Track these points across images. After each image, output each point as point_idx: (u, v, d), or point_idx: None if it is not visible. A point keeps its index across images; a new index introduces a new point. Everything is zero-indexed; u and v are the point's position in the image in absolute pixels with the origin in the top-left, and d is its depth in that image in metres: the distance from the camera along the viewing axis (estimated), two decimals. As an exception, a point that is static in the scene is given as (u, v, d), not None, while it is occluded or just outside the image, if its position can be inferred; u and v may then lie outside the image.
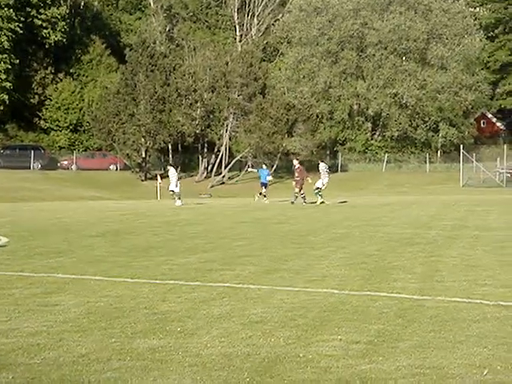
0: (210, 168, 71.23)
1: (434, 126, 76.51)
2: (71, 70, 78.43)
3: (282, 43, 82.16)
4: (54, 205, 41.78)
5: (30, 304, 9.97)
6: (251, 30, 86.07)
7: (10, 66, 70.55)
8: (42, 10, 74.40)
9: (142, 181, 67.52)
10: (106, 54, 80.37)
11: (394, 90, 73.90)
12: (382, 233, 19.59)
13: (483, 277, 11.77)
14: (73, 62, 79.21)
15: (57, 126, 75.45)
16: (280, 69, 78.32)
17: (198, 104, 69.52)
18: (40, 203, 44.36)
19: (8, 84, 70.15)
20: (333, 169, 70.10)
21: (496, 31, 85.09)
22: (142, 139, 67.65)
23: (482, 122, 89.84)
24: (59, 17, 75.03)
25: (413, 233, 19.38)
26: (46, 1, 74.52)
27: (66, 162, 71.00)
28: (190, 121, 68.55)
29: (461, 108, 76.61)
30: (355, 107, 77.09)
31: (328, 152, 78.84)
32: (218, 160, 70.60)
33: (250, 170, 39.41)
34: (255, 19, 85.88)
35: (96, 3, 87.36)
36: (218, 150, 70.93)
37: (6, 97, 70.12)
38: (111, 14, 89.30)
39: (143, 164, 69.30)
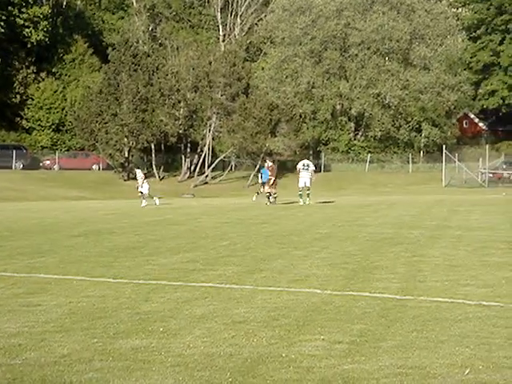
0: (193, 168, 71.14)
1: (417, 126, 76.75)
2: (53, 70, 78.14)
3: (265, 43, 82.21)
4: (37, 205, 41.62)
5: (11, 304, 9.93)
6: (234, 29, 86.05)
7: (-9, 65, 70.27)
8: (24, 9, 74.11)
9: (125, 181, 67.35)
10: (88, 54, 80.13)
11: (376, 90, 74.08)
12: (364, 233, 19.62)
13: (465, 277, 11.81)
14: (55, 61, 78.93)
15: (39, 125, 75.14)
16: (263, 69, 78.35)
17: (181, 104, 69.45)
18: (22, 203, 44.18)
19: (-11, 83, 69.88)
20: (316, 169, 70.07)
21: (478, 32, 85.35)
22: (125, 139, 67.50)
23: (464, 122, 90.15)
24: (41, 16, 74.75)
25: (395, 233, 19.42)
26: (28, 0, 74.20)
27: (48, 162, 70.71)
28: (173, 121, 68.45)
29: (443, 108, 76.87)
30: (338, 107, 77.22)
31: (311, 152, 78.92)
32: (201, 160, 70.53)
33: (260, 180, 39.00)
34: (238, 19, 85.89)
35: (78, 2, 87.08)
36: (201, 150, 70.86)
37: (-13, 96, 69.86)
38: (94, 14, 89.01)
39: (126, 164, 69.13)
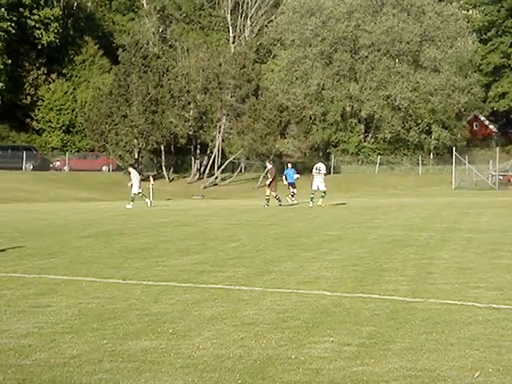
0: (202, 169, 71.18)
1: (427, 128, 76.64)
2: (64, 71, 78.34)
3: (275, 45, 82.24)
4: (46, 206, 41.72)
5: (21, 305, 9.95)
6: (244, 31, 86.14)
7: (2, 67, 70.53)
8: (35, 11, 74.36)
9: (135, 182, 67.34)
10: (98, 55, 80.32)
11: (386, 92, 74.02)
12: (374, 235, 19.59)
13: (475, 279, 11.78)
14: (65, 62, 79.14)
15: (49, 126, 75.34)
16: (273, 70, 78.35)
17: (191, 105, 69.50)
18: (32, 204, 44.30)
19: (0, 84, 70.03)
20: (326, 171, 70.01)
21: (489, 34, 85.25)
22: (135, 140, 67.61)
23: (474, 124, 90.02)
24: (52, 17, 74.99)
25: (405, 235, 19.39)
26: (39, 1, 74.47)
27: (58, 163, 70.87)
28: (182, 122, 68.51)
29: (453, 110, 76.75)
30: (348, 109, 77.20)
31: (321, 154, 78.88)
32: (211, 161, 70.57)
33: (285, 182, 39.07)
34: (248, 20, 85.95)
35: (89, 4, 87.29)
36: (211, 152, 70.90)
37: (-2, 97, 70.08)
38: (104, 15, 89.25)
39: (136, 165, 69.15)
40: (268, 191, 36.56)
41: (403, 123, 75.66)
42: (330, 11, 75.33)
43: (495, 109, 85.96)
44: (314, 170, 36.33)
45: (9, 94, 72.47)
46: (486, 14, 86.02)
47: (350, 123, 77.49)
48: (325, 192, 35.48)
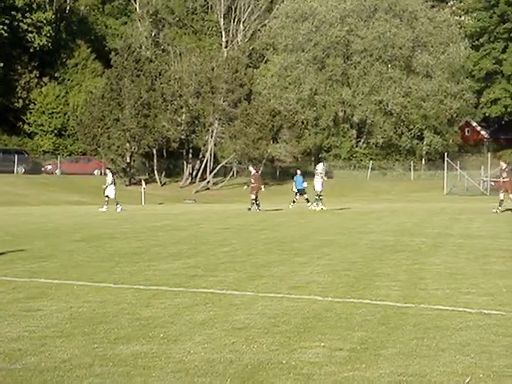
0: (194, 173, 71.20)
1: (419, 133, 76.85)
2: (56, 74, 78.27)
3: (267, 49, 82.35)
4: (38, 209, 41.64)
5: (12, 309, 9.92)
6: (237, 35, 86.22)
7: (-6, 70, 70.37)
8: (27, 14, 74.28)
9: (127, 186, 67.34)
10: (91, 59, 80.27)
11: (379, 98, 74.19)
12: (366, 240, 19.61)
13: (466, 285, 11.80)
14: (58, 66, 79.07)
15: (41, 130, 75.22)
16: (265, 75, 78.43)
17: (183, 109, 69.52)
18: (24, 208, 44.20)
19: (-8, 87, 69.99)
20: (323, 170, 69.96)
21: (481, 40, 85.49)
22: (127, 144, 67.58)
23: (466, 130, 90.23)
24: (45, 21, 74.92)
25: (397, 240, 19.41)
26: (31, 5, 74.38)
27: (50, 167, 70.72)
28: (175, 126, 68.51)
29: (445, 116, 76.97)
30: (340, 114, 77.34)
31: (313, 159, 78.96)
32: (203, 166, 70.59)
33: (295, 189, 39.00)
34: (241, 25, 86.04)
35: (82, 8, 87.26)
36: (203, 156, 70.91)
37: (-11, 100, 69.99)
38: (97, 19, 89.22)
39: (128, 169, 69.19)
40: (253, 195, 36.33)
41: (395, 128, 75.84)
42: (322, 16, 75.50)
43: (487, 115, 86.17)
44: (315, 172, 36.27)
45: (0, 97, 72.35)
46: (478, 20, 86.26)
47: (343, 128, 77.63)
48: (318, 195, 35.29)
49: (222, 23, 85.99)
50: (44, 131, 75.21)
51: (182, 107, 69.47)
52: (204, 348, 7.74)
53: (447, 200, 53.53)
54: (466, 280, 12.35)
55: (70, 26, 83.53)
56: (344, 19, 75.64)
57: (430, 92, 75.06)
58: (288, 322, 8.95)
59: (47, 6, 78.28)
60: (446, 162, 64.95)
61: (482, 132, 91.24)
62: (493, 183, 63.18)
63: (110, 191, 38.56)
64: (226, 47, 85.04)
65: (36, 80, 75.56)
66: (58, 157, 71.79)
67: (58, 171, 69.72)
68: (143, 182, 53.33)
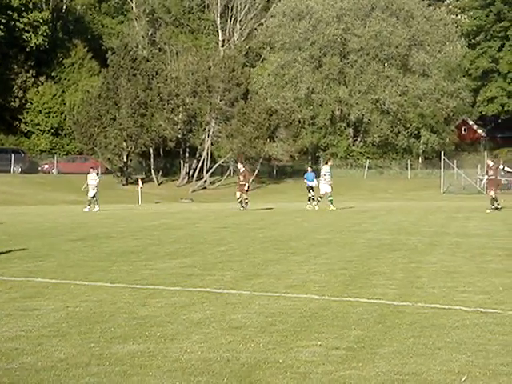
0: (191, 173, 71.19)
1: (416, 132, 76.90)
2: (53, 74, 78.24)
3: (264, 48, 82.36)
4: (35, 209, 41.62)
5: (8, 308, 9.91)
6: (234, 34, 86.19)
7: (-10, 69, 70.32)
8: (23, 14, 74.26)
9: (124, 185, 67.39)
10: (87, 58, 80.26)
11: (375, 96, 74.24)
12: (363, 239, 19.62)
13: (463, 283, 11.81)
14: (54, 65, 79.04)
15: (38, 129, 75.20)
16: (262, 74, 78.42)
17: (180, 108, 69.51)
18: (20, 207, 44.17)
19: (-12, 87, 69.93)
20: (314, 174, 70.13)
21: (477, 38, 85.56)
22: (124, 143, 67.57)
23: (463, 128, 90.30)
24: (41, 20, 74.91)
25: (393, 239, 19.42)
26: (28, 4, 74.33)
27: (46, 166, 70.72)
28: (171, 125, 68.51)
29: (442, 115, 77.03)
30: (337, 113, 77.35)
31: (310, 157, 79.05)
32: (200, 165, 70.59)
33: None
34: (238, 24, 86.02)
35: (78, 7, 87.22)
36: (200, 155, 70.92)
37: (-14, 100, 69.92)
38: (93, 18, 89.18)
39: (124, 168, 69.17)
40: (238, 194, 35.96)
41: (392, 127, 75.88)
42: (319, 15, 75.52)
43: (483, 113, 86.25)
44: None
45: (-3, 96, 72.35)
46: (474, 19, 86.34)
47: (339, 127, 77.65)
48: (326, 196, 34.80)
49: (218, 22, 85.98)
50: (41, 130, 75.20)
51: (178, 106, 69.47)
52: (201, 347, 7.74)
53: (444, 198, 53.59)
54: (462, 278, 12.36)
55: (67, 26, 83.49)
56: (341, 18, 75.67)
57: (426, 91, 75.13)
58: (285, 321, 8.95)
59: (43, 6, 78.26)
60: (442, 161, 64.99)
61: (479, 130, 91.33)
62: (500, 181, 63.29)
63: (91, 191, 38.53)
64: (223, 46, 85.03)
65: (32, 79, 75.54)
66: (55, 156, 71.82)
67: (54, 170, 69.72)
68: (140, 182, 53.32)
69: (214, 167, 70.50)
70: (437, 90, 75.52)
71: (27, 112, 75.00)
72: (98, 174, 40.13)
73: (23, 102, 74.98)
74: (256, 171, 69.74)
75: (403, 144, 76.73)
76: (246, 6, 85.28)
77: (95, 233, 22.49)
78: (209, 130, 69.93)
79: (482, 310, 9.58)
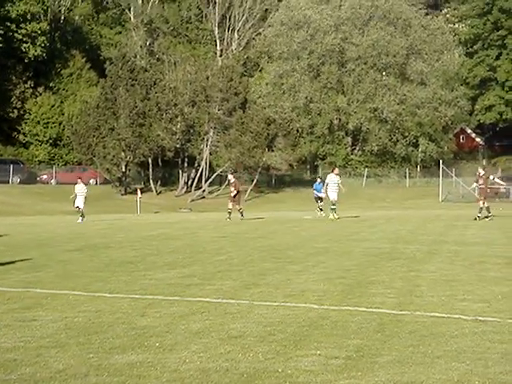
0: (190, 182, 71.20)
1: (414, 140, 76.96)
2: (51, 84, 78.29)
3: (262, 58, 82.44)
4: (33, 219, 41.61)
5: (7, 319, 9.89)
6: (232, 44, 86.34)
7: (-11, 80, 70.37)
8: (22, 25, 74.37)
9: (122, 195, 67.39)
10: (86, 68, 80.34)
11: (373, 105, 74.31)
12: (361, 247, 19.61)
13: (462, 292, 11.80)
14: (53, 76, 79.11)
15: (36, 140, 75.23)
16: (260, 84, 78.50)
17: (179, 118, 69.56)
18: (19, 218, 44.15)
19: (-13, 98, 69.98)
20: (313, 183, 70.22)
21: (475, 47, 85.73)
22: (122, 153, 67.59)
23: (461, 137, 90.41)
24: (39, 31, 74.99)
25: (392, 247, 19.42)
26: (26, 15, 74.42)
27: (45, 177, 70.72)
28: (170, 135, 68.55)
29: (440, 123, 77.14)
30: (335, 122, 77.41)
31: (308, 166, 79.11)
32: (199, 174, 70.61)
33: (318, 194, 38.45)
34: (236, 34, 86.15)
35: (76, 18, 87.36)
36: (199, 165, 70.95)
37: (-16, 111, 69.97)
38: (92, 28, 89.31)
39: (123, 178, 69.18)
40: (230, 204, 36.06)
41: (390, 136, 75.94)
42: (317, 24, 75.63)
43: (482, 121, 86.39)
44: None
45: (-5, 107, 72.40)
46: (472, 27, 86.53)
47: (338, 136, 77.70)
48: (333, 204, 34.36)
49: (216, 32, 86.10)
50: (39, 141, 75.22)
51: (177, 116, 69.53)
52: (200, 357, 7.73)
53: (442, 207, 53.61)
54: (461, 287, 12.35)
55: (65, 36, 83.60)
56: (338, 27, 75.80)
57: (424, 99, 75.23)
58: (284, 331, 8.94)
59: (42, 17, 78.33)
60: (441, 169, 65.03)
61: (477, 139, 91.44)
62: (488, 190, 63.33)
63: (79, 201, 38.46)
64: (221, 56, 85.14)
65: (31, 90, 75.61)
66: (54, 166, 71.81)
67: (53, 181, 69.70)
68: (139, 191, 53.31)
69: (213, 177, 70.52)
70: (435, 99, 75.64)
71: (26, 123, 75.03)
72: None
73: (21, 112, 75.03)
74: (254, 181, 69.77)
75: (401, 152, 76.79)
76: (243, 15, 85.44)
77: (94, 243, 22.47)
78: (207, 140, 69.98)
79: (481, 318, 9.58)
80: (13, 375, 7.13)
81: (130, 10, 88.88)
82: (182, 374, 7.11)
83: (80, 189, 38.91)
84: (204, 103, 68.95)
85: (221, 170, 70.62)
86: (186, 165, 71.82)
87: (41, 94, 76.02)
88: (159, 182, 71.70)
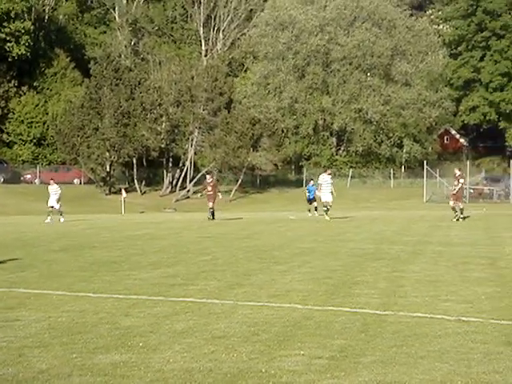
0: (174, 182, 71.09)
1: (398, 141, 77.11)
2: (35, 84, 77.97)
3: (247, 58, 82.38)
4: (17, 219, 41.44)
5: (-10, 319, 9.86)
6: (217, 44, 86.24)
7: (-28, 79, 70.02)
8: (5, 24, 73.99)
9: (107, 195, 67.22)
10: (70, 68, 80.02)
11: (358, 106, 74.39)
12: (346, 248, 19.64)
13: (445, 292, 11.84)
14: (37, 75, 78.77)
15: (20, 139, 74.91)
16: (245, 84, 78.45)
17: (163, 118, 69.47)
18: (2, 218, 43.95)
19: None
20: (298, 184, 70.25)
21: (459, 48, 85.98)
22: (107, 153, 67.43)
23: (445, 138, 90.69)
24: (23, 30, 74.64)
25: (376, 248, 19.45)
26: (9, 14, 74.07)
27: (29, 176, 70.45)
28: (154, 135, 68.44)
29: (425, 124, 77.35)
30: (320, 122, 77.45)
31: (293, 167, 79.16)
32: (183, 174, 70.52)
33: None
34: (221, 34, 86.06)
35: (60, 17, 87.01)
36: (183, 165, 70.87)
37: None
38: (76, 28, 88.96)
39: (107, 178, 69.00)
40: (210, 204, 35.97)
41: (375, 136, 76.07)
42: (302, 24, 75.64)
43: (466, 122, 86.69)
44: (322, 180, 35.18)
45: (-21, 106, 72.04)
46: (456, 29, 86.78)
47: (322, 136, 77.75)
48: (325, 206, 34.37)
49: (201, 32, 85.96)
50: (23, 140, 74.91)
51: (161, 116, 69.43)
52: (183, 357, 7.72)
53: (427, 208, 53.70)
54: (444, 287, 12.39)
55: (49, 35, 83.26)
56: (324, 28, 75.84)
57: (409, 100, 75.39)
58: (268, 331, 8.95)
59: (26, 16, 77.96)
60: (425, 170, 65.13)
61: (461, 140, 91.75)
62: (472, 190, 63.58)
63: (53, 201, 38.27)
64: (206, 56, 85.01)
65: (15, 89, 75.28)
66: (38, 166, 71.51)
67: (37, 180, 69.42)
68: (123, 191, 53.12)
69: (198, 177, 70.41)
70: (419, 100, 75.83)
71: (9, 122, 74.70)
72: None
73: (5, 112, 74.69)
74: (239, 181, 69.75)
75: (386, 153, 76.93)
76: (228, 15, 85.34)
77: (78, 243, 22.41)
78: (192, 140, 69.90)
79: (464, 318, 9.61)
80: (-5, 375, 7.11)
81: (114, 9, 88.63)
82: (165, 373, 7.11)
83: (54, 189, 38.72)
84: (189, 103, 68.88)
85: (206, 169, 70.53)
86: (170, 165, 71.73)
87: (25, 94, 75.71)
88: (144, 182, 71.56)
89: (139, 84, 69.94)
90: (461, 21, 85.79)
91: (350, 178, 75.31)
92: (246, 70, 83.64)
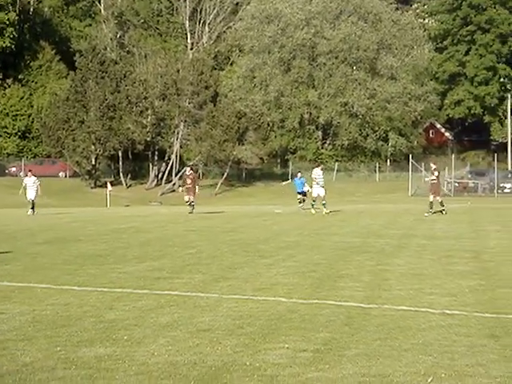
0: (160, 176, 71.00)
1: (384, 135, 77.23)
2: (20, 76, 77.63)
3: (233, 51, 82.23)
4: (2, 212, 41.29)
5: (-26, 312, 9.83)
6: (202, 37, 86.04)
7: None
8: (-11, 15, 73.63)
9: (92, 188, 67.07)
10: (55, 60, 79.70)
11: (344, 99, 74.43)
12: (331, 241, 19.67)
13: (429, 285, 11.89)
14: (22, 67, 78.42)
15: (5, 132, 74.60)
16: (231, 77, 78.35)
17: (149, 111, 69.33)
18: (-13, 210, 43.77)
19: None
20: (283, 177, 70.29)
21: (444, 42, 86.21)
22: (92, 146, 67.26)
23: (430, 131, 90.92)
24: (8, 22, 74.29)
25: (361, 241, 19.50)
26: (-6, 6, 73.75)
27: (14, 169, 70.20)
28: (140, 128, 68.31)
29: (410, 118, 77.49)
30: (306, 116, 77.45)
31: (279, 160, 79.17)
32: (169, 168, 70.42)
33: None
34: (206, 27, 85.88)
35: (46, 9, 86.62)
36: (169, 158, 70.77)
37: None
38: (61, 20, 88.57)
39: (93, 171, 68.83)
40: (186, 197, 35.87)
41: (360, 130, 76.16)
42: (288, 18, 75.59)
43: (451, 116, 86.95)
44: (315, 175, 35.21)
45: (-37, 99, 71.68)
46: (441, 23, 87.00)
47: (308, 130, 77.78)
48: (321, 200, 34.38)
49: (187, 25, 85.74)
50: (8, 133, 74.59)
51: (147, 109, 69.29)
52: (168, 350, 7.73)
53: (412, 201, 53.81)
54: (429, 280, 12.44)
55: (34, 28, 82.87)
56: (309, 21, 75.80)
57: (394, 94, 75.49)
58: (252, 324, 8.96)
59: (10, 7, 77.55)
60: (410, 164, 65.27)
61: (446, 134, 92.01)
62: (457, 184, 63.80)
63: (31, 193, 38.21)
64: (192, 49, 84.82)
65: (-1, 82, 74.98)
66: (22, 159, 71.25)
67: (22, 173, 69.14)
68: (109, 185, 53.02)
69: (183, 170, 70.32)
70: (405, 94, 75.95)
71: (-6, 114, 74.44)
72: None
73: (-10, 104, 74.41)
74: (225, 174, 69.73)
75: (372, 147, 77.04)
76: (214, 9, 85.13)
77: (63, 236, 22.35)
78: (178, 133, 69.80)
79: (448, 311, 9.66)
80: (-21, 369, 7.09)
81: (100, 2, 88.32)
82: (150, 367, 7.11)
83: (31, 181, 38.62)
84: (174, 96, 68.75)
85: (191, 163, 70.46)
86: (156, 158, 71.63)
87: (9, 86, 75.38)
88: (129, 176, 71.42)
89: (125, 77, 69.75)
90: (446, 15, 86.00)
91: (335, 172, 75.35)
92: (231, 64, 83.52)
